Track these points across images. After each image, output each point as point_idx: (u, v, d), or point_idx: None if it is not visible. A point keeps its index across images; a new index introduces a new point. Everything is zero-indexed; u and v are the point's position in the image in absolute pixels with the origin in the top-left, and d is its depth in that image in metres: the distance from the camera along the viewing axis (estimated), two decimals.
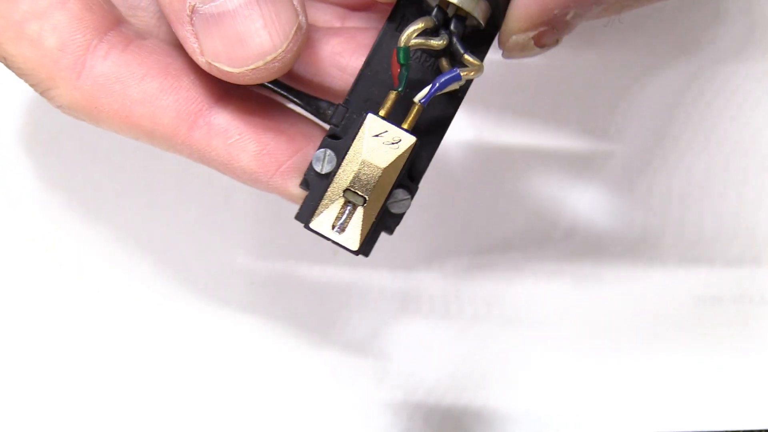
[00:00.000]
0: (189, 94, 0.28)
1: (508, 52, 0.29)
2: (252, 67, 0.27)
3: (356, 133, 0.27)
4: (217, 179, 0.29)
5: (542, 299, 0.45)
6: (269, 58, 0.27)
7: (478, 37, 0.29)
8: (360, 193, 0.27)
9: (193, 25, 0.27)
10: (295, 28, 0.27)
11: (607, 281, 0.46)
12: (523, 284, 0.45)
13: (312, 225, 0.27)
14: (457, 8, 0.28)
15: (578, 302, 0.45)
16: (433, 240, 0.45)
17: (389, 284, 0.45)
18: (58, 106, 0.29)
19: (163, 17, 0.30)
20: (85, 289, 0.44)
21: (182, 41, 0.27)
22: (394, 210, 0.28)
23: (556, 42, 0.29)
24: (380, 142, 0.27)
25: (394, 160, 0.27)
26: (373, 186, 0.27)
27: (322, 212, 0.27)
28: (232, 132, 0.28)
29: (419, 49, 0.28)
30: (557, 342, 0.45)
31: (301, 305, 0.45)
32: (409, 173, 0.29)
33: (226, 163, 0.28)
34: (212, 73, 0.27)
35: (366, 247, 0.28)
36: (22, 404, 0.43)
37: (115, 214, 0.44)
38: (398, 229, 0.29)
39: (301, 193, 0.29)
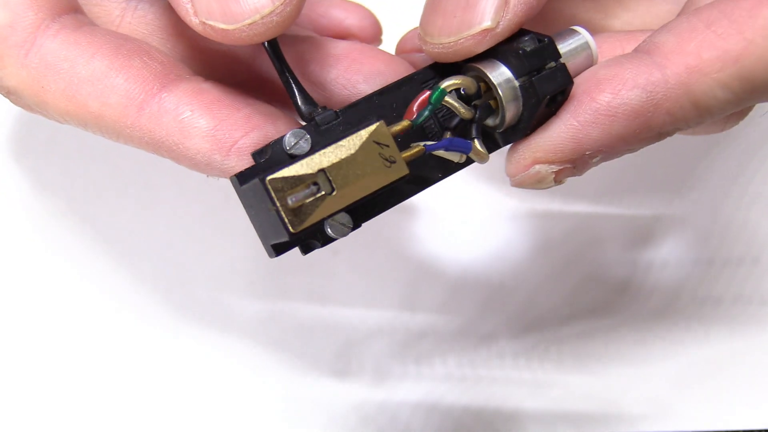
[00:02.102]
0: (140, 74, 0.27)
1: (521, 180, 0.28)
2: (249, 22, 0.25)
3: (355, 130, 0.26)
4: (217, 178, 0.28)
5: (545, 295, 0.45)
6: (266, 11, 0.25)
7: (486, 138, 0.29)
8: (333, 182, 0.25)
9: None
10: None
11: (606, 282, 0.46)
12: (527, 283, 0.46)
13: (269, 180, 0.24)
14: (495, 95, 0.27)
15: (577, 302, 0.45)
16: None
17: (390, 283, 0.45)
18: (5, 92, 0.28)
19: (127, 8, 0.29)
20: (84, 289, 0.44)
21: (175, 5, 0.26)
22: (330, 230, 0.25)
23: (562, 182, 0.28)
24: (376, 152, 0.25)
25: (379, 176, 0.25)
26: (348, 184, 0.25)
27: (282, 176, 0.24)
28: (183, 109, 0.26)
29: (445, 106, 0.27)
30: (557, 340, 0.45)
31: (300, 305, 0.45)
32: (364, 209, 0.27)
33: (177, 143, 0.26)
34: (207, 35, 0.26)
35: (284, 244, 0.26)
36: (27, 404, 0.43)
37: (115, 213, 0.43)
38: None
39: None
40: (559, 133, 0.27)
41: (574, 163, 0.27)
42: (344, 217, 0.25)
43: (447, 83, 0.27)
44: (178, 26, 0.29)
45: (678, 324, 0.46)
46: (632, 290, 0.46)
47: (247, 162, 0.26)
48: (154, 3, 0.29)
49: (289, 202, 0.24)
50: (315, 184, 0.24)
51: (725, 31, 0.27)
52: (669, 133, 0.27)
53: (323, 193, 0.24)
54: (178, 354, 0.44)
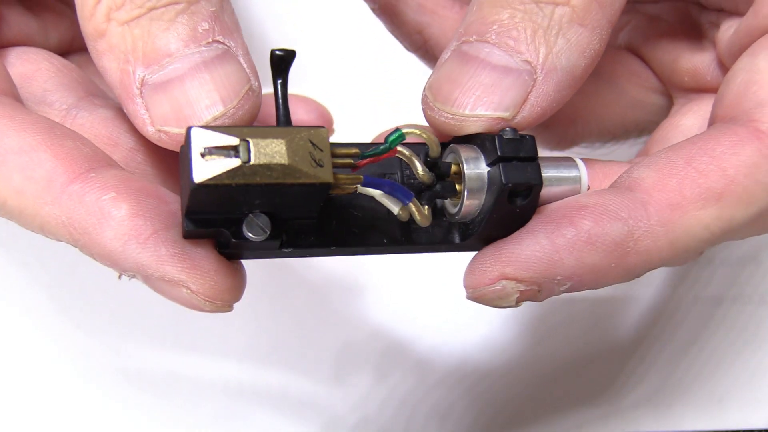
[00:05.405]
0: (70, 154, 0.26)
1: (481, 294, 0.27)
2: (201, 125, 0.25)
3: (297, 128, 0.25)
4: (129, 279, 0.28)
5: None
6: (218, 113, 0.26)
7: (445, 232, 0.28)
8: (252, 155, 0.24)
9: (143, 97, 0.26)
10: (246, 89, 0.26)
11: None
12: None
13: (192, 131, 0.23)
14: (459, 179, 0.27)
15: (576, 302, 0.46)
16: None
17: (390, 283, 0.45)
18: None
19: (67, 116, 0.29)
20: (83, 287, 0.44)
21: (132, 117, 0.27)
22: (245, 227, 0.25)
23: (518, 305, 0.27)
24: (308, 149, 0.24)
25: (301, 172, 0.24)
26: (266, 161, 0.24)
27: (208, 131, 0.24)
28: (107, 190, 0.25)
29: (403, 159, 0.27)
30: (556, 340, 0.45)
31: (300, 305, 0.45)
32: (285, 223, 0.26)
33: (95, 225, 0.25)
34: (162, 143, 0.26)
35: (196, 224, 0.25)
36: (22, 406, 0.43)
37: None
38: None
39: (179, 271, 0.25)
40: (533, 251, 0.26)
41: (541, 286, 0.26)
42: (264, 220, 0.25)
43: (407, 129, 0.26)
44: (113, 137, 0.28)
45: (678, 324, 0.46)
46: (632, 290, 0.46)
47: (166, 249, 0.25)
48: (93, 112, 0.29)
49: (202, 149, 0.23)
50: (236, 148, 0.24)
51: (706, 168, 0.26)
52: (638, 274, 0.27)
53: (239, 159, 0.24)
54: (178, 354, 0.44)
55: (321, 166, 0.24)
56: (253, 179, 0.24)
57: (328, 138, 0.25)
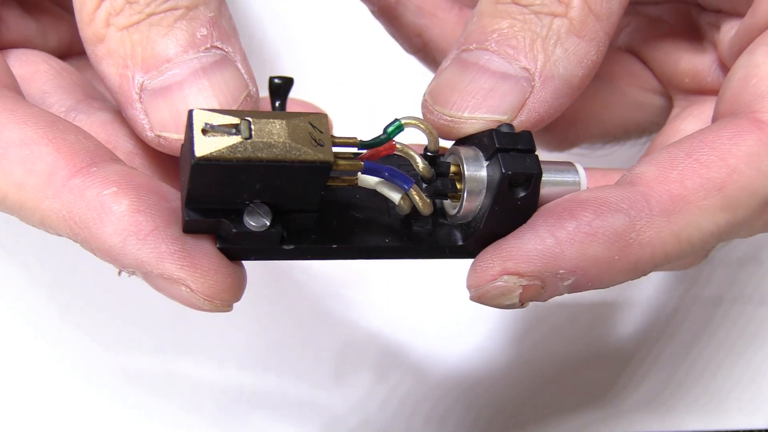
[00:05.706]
0: (72, 148, 0.25)
1: (483, 291, 0.26)
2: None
3: (297, 113, 0.25)
4: (128, 275, 0.28)
5: None
6: None
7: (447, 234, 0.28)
8: (253, 132, 0.24)
9: (142, 102, 0.26)
10: (244, 95, 0.27)
11: None
12: None
13: (194, 112, 0.24)
14: (459, 179, 0.27)
15: (577, 301, 0.46)
16: None
17: (390, 284, 0.45)
18: None
19: (67, 115, 0.29)
20: (83, 287, 0.44)
21: (132, 122, 0.27)
22: (247, 219, 0.25)
23: (524, 305, 0.27)
24: (308, 130, 0.24)
25: (301, 149, 0.24)
26: (266, 137, 0.24)
27: (208, 110, 0.24)
28: (109, 185, 0.25)
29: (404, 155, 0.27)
30: (557, 340, 0.45)
31: (300, 305, 0.45)
32: (288, 221, 0.26)
33: (96, 219, 0.25)
34: (160, 148, 0.26)
35: (198, 214, 0.25)
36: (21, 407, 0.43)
37: None
38: None
39: (178, 268, 0.25)
40: (534, 245, 0.26)
41: (544, 281, 0.26)
42: (265, 209, 0.25)
43: (406, 120, 0.26)
44: (111, 140, 0.28)
45: (678, 324, 0.46)
46: (631, 290, 0.46)
47: (162, 253, 0.25)
48: (91, 115, 0.29)
49: (204, 125, 0.23)
50: (236, 126, 0.24)
51: (707, 159, 0.26)
52: (644, 271, 0.27)
53: (239, 136, 0.24)
54: (178, 354, 0.44)
55: (321, 145, 0.24)
56: (254, 155, 0.24)
57: (327, 123, 0.25)
